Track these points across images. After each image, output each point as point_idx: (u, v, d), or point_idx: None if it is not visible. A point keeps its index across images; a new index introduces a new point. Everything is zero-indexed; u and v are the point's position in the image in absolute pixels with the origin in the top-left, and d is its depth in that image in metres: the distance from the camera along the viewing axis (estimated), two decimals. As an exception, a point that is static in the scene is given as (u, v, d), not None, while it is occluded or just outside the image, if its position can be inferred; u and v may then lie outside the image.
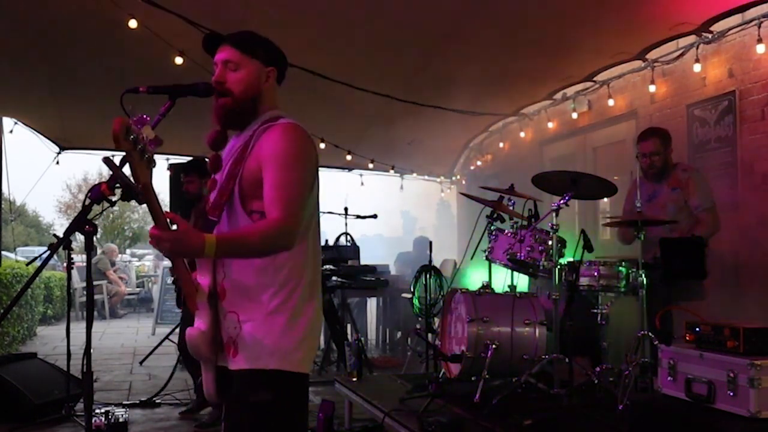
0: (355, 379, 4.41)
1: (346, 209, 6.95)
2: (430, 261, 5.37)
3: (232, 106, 2.02)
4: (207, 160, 2.06)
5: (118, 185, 1.91)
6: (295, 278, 1.97)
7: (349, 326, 6.84)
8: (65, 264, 4.65)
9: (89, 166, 29.37)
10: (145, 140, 1.71)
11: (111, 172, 1.91)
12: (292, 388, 1.98)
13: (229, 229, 1.98)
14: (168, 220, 1.79)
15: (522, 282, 4.53)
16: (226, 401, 2.07)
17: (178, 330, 7.23)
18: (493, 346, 3.79)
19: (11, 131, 7.91)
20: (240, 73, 2.03)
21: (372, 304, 8.53)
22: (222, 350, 2.00)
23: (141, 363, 7.03)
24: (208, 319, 1.97)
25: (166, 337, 7.16)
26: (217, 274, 1.99)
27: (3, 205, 8.86)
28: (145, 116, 1.74)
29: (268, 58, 2.08)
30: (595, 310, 3.79)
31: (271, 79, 2.09)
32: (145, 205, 1.77)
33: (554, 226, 3.87)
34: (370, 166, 9.74)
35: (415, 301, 5.51)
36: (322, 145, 7.37)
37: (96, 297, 11.49)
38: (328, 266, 6.60)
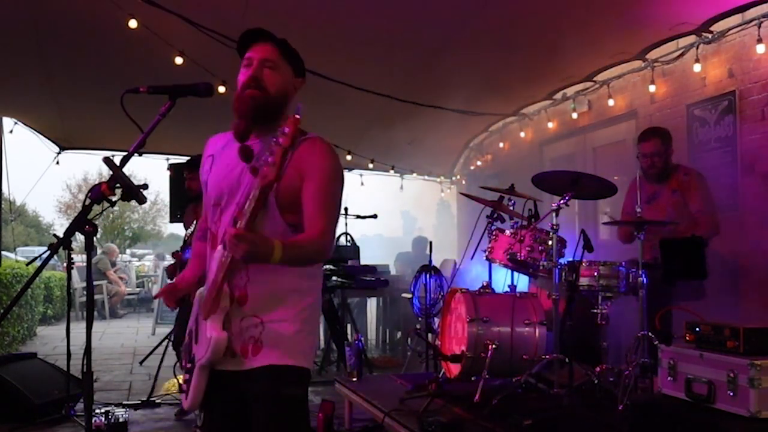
0: (355, 379, 4.41)
1: (346, 209, 6.95)
2: (430, 261, 5.37)
3: (262, 100, 1.99)
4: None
5: (118, 185, 1.91)
6: (319, 283, 2.11)
7: (349, 326, 6.84)
8: (65, 264, 4.65)
9: (89, 166, 29.39)
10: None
11: (111, 172, 1.91)
12: (308, 384, 2.08)
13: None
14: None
15: (522, 282, 4.53)
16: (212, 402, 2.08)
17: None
18: (493, 346, 3.79)
19: (11, 131, 7.91)
20: (277, 74, 2.03)
21: (372, 304, 8.53)
22: (231, 354, 1.98)
23: (141, 363, 7.03)
24: (222, 324, 1.96)
25: (166, 337, 7.14)
26: (235, 279, 1.97)
27: (3, 205, 8.85)
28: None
29: (299, 69, 2.10)
30: (595, 310, 3.79)
31: (297, 90, 2.10)
32: (145, 205, 1.77)
33: (554, 226, 3.87)
34: (370, 166, 9.74)
35: (416, 302, 5.51)
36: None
37: (96, 297, 11.49)
38: (328, 266, 6.60)
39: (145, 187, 2.03)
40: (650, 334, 3.58)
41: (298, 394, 2.01)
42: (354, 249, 7.18)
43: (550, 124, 7.86)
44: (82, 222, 1.92)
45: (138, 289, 13.89)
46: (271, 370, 1.96)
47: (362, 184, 10.48)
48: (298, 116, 1.76)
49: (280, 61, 2.04)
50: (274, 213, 1.95)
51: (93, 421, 3.32)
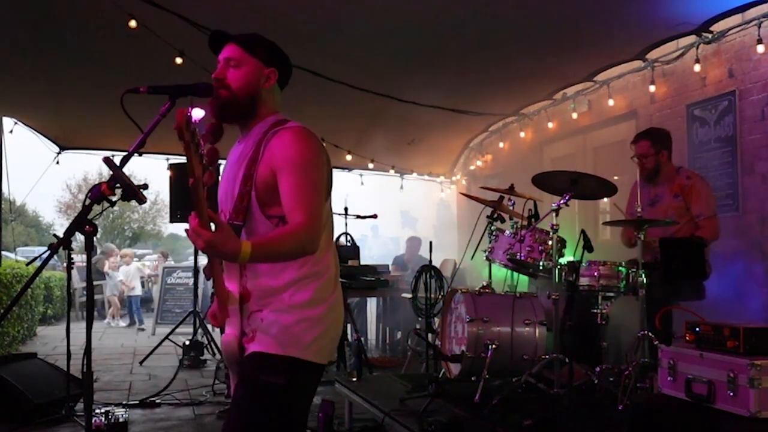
0: (355, 379, 4.41)
1: (346, 209, 6.94)
2: (431, 261, 5.36)
3: (229, 98, 2.02)
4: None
5: (118, 185, 1.91)
6: (314, 273, 2.02)
7: (349, 326, 6.84)
8: (65, 264, 4.65)
9: (89, 166, 29.35)
10: (199, 134, 1.69)
11: (111, 172, 1.91)
12: (305, 376, 2.03)
13: (248, 232, 2.00)
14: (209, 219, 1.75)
15: (522, 282, 4.53)
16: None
17: (180, 329, 7.27)
18: (493, 346, 3.79)
19: (11, 131, 7.91)
20: (240, 71, 2.04)
21: (372, 304, 8.53)
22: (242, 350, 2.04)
23: (141, 363, 7.03)
24: (238, 324, 2.02)
25: (166, 337, 7.15)
26: (242, 278, 2.02)
27: (3, 205, 8.85)
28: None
29: (269, 59, 2.09)
30: (595, 310, 3.79)
31: (272, 80, 2.09)
32: (145, 205, 1.76)
33: (554, 226, 3.87)
34: (370, 166, 9.74)
35: (416, 302, 5.50)
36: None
37: (96, 297, 11.50)
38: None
39: (145, 187, 2.04)
40: (650, 334, 3.58)
41: (279, 383, 1.97)
42: (354, 249, 7.17)
43: (550, 124, 7.86)
44: (82, 222, 1.92)
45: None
46: (256, 356, 1.98)
47: (362, 184, 10.48)
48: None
49: (243, 55, 2.05)
50: (255, 209, 1.99)
51: (93, 421, 3.32)
